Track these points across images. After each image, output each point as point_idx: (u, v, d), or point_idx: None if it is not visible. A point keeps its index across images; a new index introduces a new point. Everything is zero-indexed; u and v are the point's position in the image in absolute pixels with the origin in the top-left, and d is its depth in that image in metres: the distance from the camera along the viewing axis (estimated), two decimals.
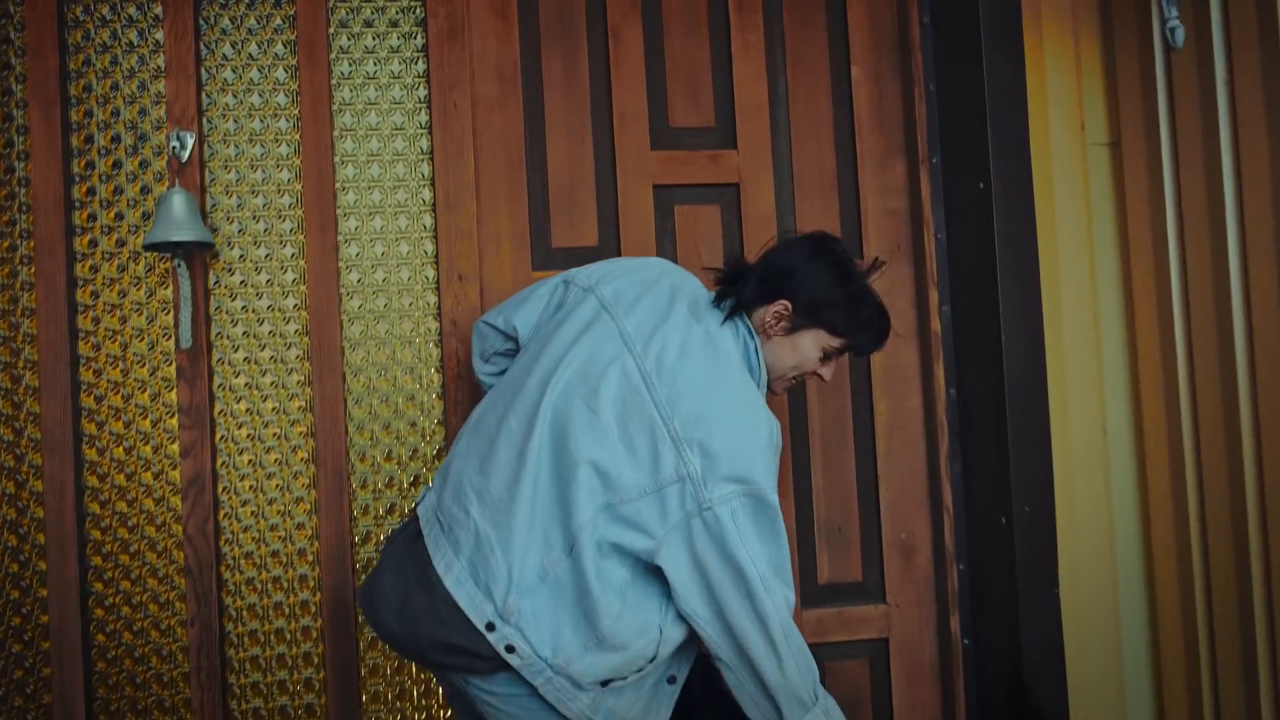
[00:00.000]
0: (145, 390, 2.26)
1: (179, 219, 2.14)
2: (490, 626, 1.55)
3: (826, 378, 1.78)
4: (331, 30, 2.37)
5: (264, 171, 2.33)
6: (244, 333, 2.30)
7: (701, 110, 2.48)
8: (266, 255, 2.32)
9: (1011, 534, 2.24)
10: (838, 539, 2.46)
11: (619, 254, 2.43)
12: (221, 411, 2.29)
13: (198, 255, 2.26)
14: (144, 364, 2.27)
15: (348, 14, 2.39)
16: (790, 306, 1.70)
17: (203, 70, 2.32)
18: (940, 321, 2.46)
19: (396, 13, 2.41)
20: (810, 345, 1.73)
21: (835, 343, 1.74)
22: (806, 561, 2.44)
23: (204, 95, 2.32)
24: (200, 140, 2.30)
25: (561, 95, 2.44)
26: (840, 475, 2.47)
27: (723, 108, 2.48)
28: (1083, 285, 2.47)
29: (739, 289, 1.74)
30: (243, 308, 2.30)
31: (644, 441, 1.55)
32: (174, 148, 2.23)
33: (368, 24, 2.39)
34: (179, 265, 2.20)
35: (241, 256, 2.31)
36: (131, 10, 2.32)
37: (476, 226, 2.35)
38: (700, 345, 1.65)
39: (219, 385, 2.29)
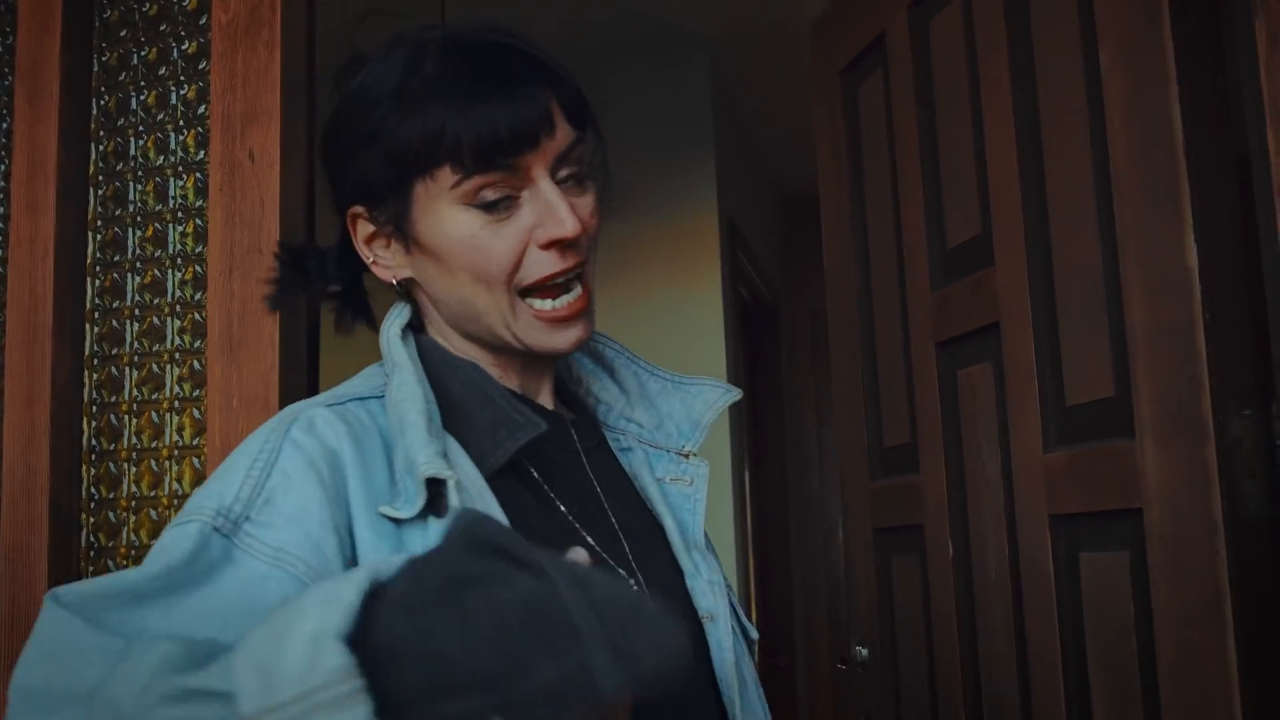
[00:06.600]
0: None
1: None
2: None
3: (567, 230, 0.81)
4: None
5: None
6: None
7: (970, 213, 1.59)
8: None
9: None
10: None
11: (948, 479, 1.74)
12: None
13: None
14: None
15: None
16: (361, 204, 0.87)
17: None
18: None
19: None
20: (445, 212, 0.82)
21: (461, 163, 0.80)
22: None
23: None
24: None
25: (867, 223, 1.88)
26: None
27: (988, 205, 1.55)
28: None
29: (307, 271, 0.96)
30: None
31: None
32: None
33: None
34: None
35: None
36: None
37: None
38: None
39: None
